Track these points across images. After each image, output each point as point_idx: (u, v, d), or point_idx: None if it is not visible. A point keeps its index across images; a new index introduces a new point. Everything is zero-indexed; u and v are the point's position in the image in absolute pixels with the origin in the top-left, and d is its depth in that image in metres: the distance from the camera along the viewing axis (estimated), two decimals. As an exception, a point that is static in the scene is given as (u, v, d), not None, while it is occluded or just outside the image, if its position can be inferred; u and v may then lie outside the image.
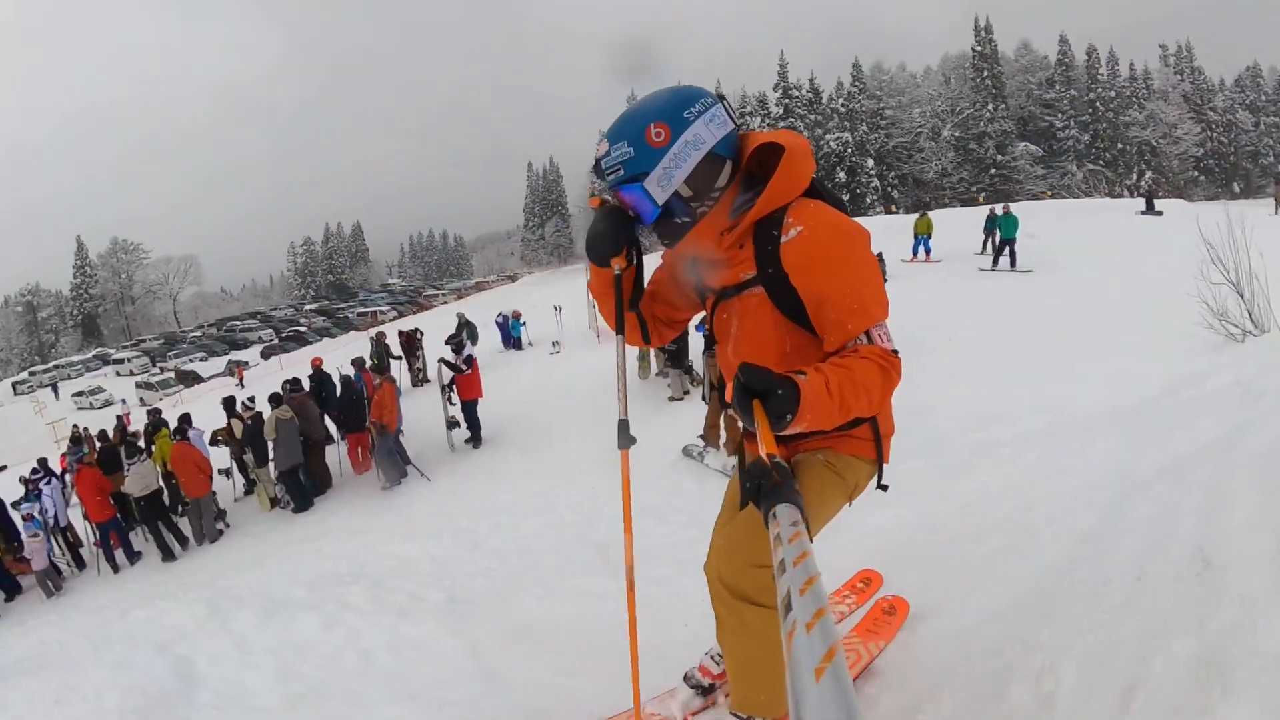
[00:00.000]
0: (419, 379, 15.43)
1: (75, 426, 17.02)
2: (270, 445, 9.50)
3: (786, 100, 55.03)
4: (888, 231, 20.37)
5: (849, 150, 53.54)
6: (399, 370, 14.28)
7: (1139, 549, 1.83)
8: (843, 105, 55.79)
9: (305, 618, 4.31)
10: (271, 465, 9.61)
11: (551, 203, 65.70)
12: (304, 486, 9.41)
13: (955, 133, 53.83)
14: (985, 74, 53.79)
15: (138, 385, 39.29)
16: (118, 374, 47.45)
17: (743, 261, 1.60)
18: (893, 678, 2.03)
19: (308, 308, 64.61)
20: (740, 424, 1.51)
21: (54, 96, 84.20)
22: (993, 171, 52.68)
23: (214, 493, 9.46)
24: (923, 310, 9.90)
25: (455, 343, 10.73)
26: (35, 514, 9.26)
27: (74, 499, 10.27)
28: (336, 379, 11.58)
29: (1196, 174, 52.29)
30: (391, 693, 3.19)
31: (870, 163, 53.91)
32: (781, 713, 1.73)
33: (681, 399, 9.14)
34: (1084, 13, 59.72)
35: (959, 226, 19.10)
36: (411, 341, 15.84)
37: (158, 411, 12.38)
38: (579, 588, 4.20)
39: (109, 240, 63.11)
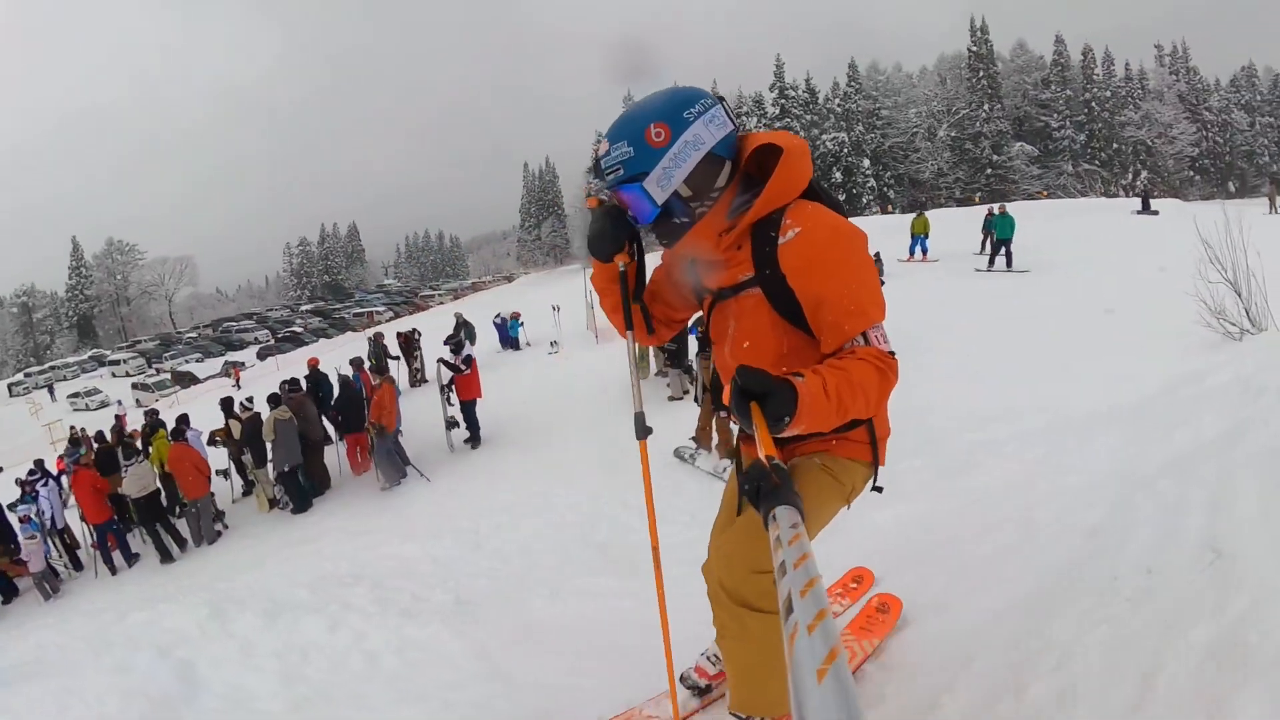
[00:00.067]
0: (417, 379, 15.41)
1: (73, 428, 16.96)
2: (269, 446, 9.48)
3: (783, 100, 55.06)
4: (885, 231, 20.43)
5: (845, 150, 53.60)
6: (397, 371, 14.26)
7: (1147, 543, 1.85)
8: (839, 105, 55.88)
9: (308, 620, 4.28)
10: (270, 466, 9.57)
11: (548, 203, 65.64)
12: (303, 487, 9.38)
13: (951, 133, 53.95)
14: (981, 74, 53.94)
15: (134, 386, 39.07)
16: (113, 375, 47.24)
17: (740, 262, 1.61)
18: (907, 673, 2.04)
19: (303, 308, 64.45)
20: (736, 426, 1.51)
21: (49, 97, 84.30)
22: (989, 171, 52.83)
23: (212, 494, 9.43)
24: (919, 310, 9.92)
25: (454, 343, 10.70)
26: (32, 516, 9.18)
27: (71, 500, 10.24)
28: (334, 379, 11.56)
29: (1192, 174, 52.48)
30: (399, 695, 3.17)
31: (866, 163, 53.99)
32: (781, 713, 1.74)
33: (681, 398, 9.14)
34: (1080, 13, 60.03)
35: (955, 226, 19.17)
36: (409, 342, 15.82)
37: (155, 412, 12.34)
38: (582, 588, 4.20)
39: (104, 241, 62.98)
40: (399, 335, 16.17)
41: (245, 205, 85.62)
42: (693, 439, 6.89)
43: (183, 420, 10.23)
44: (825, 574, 2.44)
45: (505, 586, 4.60)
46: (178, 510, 9.70)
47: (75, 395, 40.89)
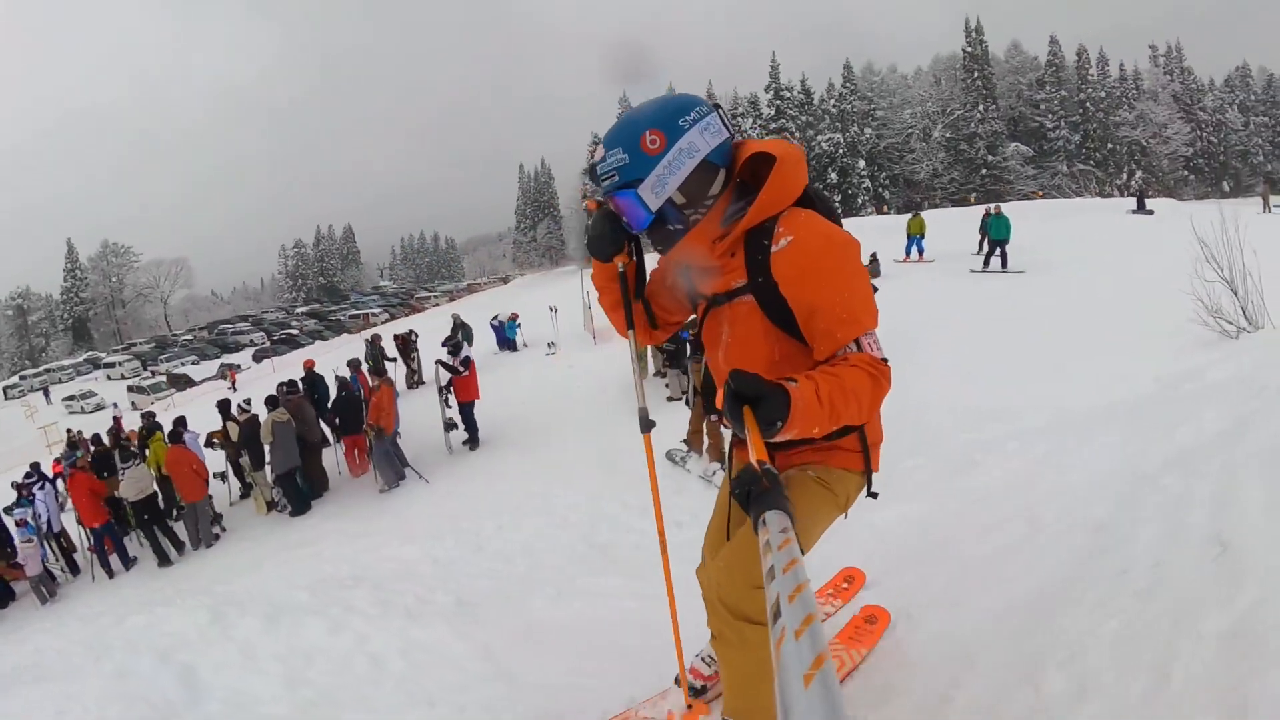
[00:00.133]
0: (414, 381, 15.40)
1: (70, 431, 16.89)
2: (267, 448, 9.45)
3: (778, 101, 55.14)
4: (881, 232, 20.53)
5: (840, 151, 53.71)
6: (395, 372, 14.24)
7: (1154, 537, 1.87)
8: (834, 106, 55.96)
9: (310, 622, 4.26)
10: (268, 468, 9.55)
11: (543, 204, 65.59)
12: (301, 490, 9.35)
13: (946, 133, 54.09)
14: (976, 75, 54.08)
15: (129, 389, 38.92)
16: (108, 378, 47.15)
17: (734, 269, 1.61)
18: (915, 670, 2.04)
19: (299, 310, 64.36)
20: (729, 431, 1.52)
21: (45, 97, 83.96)
22: (983, 172, 52.96)
23: (210, 496, 9.39)
24: (915, 310, 9.96)
25: (452, 344, 10.69)
26: (28, 519, 9.15)
27: (68, 504, 10.19)
28: (331, 381, 11.53)
29: (1186, 173, 52.71)
30: (407, 698, 3.15)
31: (862, 164, 54.10)
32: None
33: (680, 399, 9.14)
34: (1074, 14, 60.33)
35: (951, 227, 19.21)
36: (406, 344, 15.81)
37: (152, 415, 12.30)
38: (585, 588, 4.18)
39: (99, 243, 62.76)
40: (396, 337, 16.16)
41: (240, 207, 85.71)
42: (684, 442, 6.90)
43: (180, 423, 10.18)
44: (826, 572, 2.47)
45: (507, 587, 4.58)
46: (175, 513, 9.65)
47: (70, 398, 40.75)
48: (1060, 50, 55.19)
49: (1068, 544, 2.30)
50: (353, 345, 27.39)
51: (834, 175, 52.74)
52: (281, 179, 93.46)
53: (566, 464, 7.71)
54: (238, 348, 50.84)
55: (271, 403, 9.72)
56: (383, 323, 45.10)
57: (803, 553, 1.46)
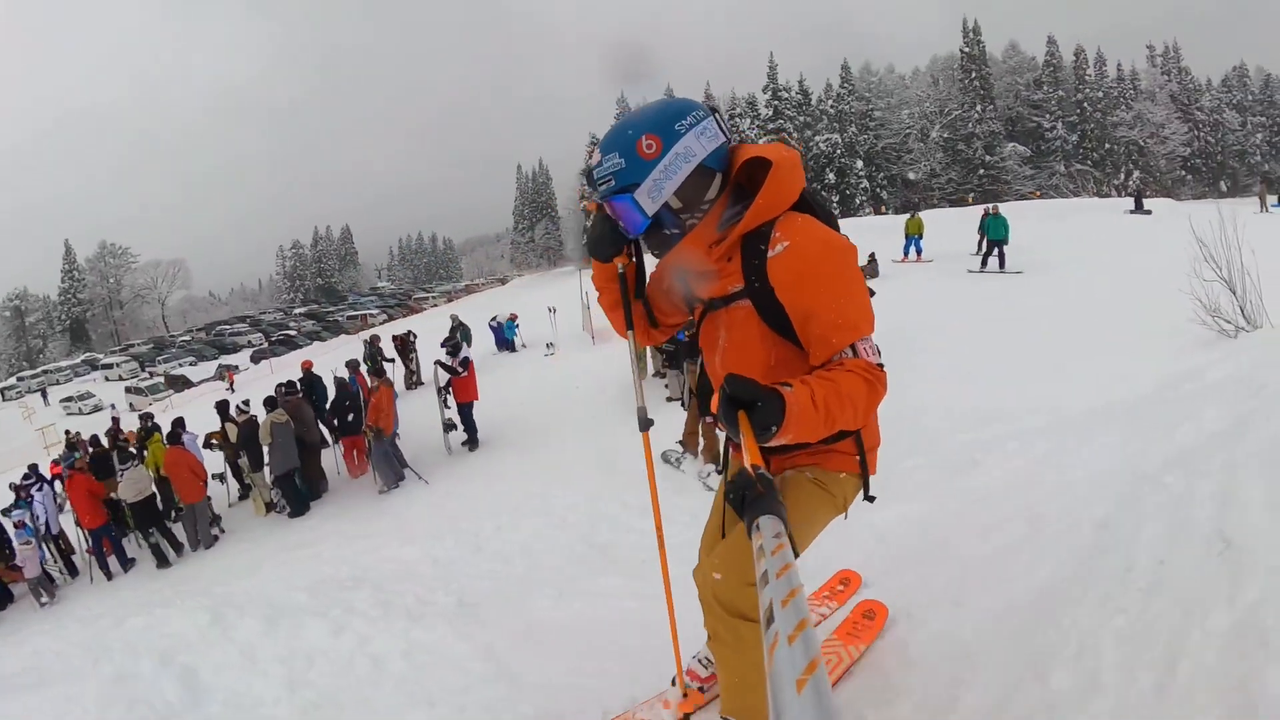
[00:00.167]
0: (413, 382, 15.40)
1: (68, 432, 16.85)
2: (265, 449, 9.43)
3: (776, 102, 55.17)
4: (879, 232, 20.56)
5: (838, 151, 53.78)
6: (393, 373, 14.24)
7: (1158, 535, 1.88)
8: (832, 107, 56.03)
9: (311, 624, 4.24)
10: (267, 470, 9.54)
11: (541, 205, 65.62)
12: (300, 491, 9.34)
13: (944, 134, 54.15)
14: (973, 75, 54.15)
15: (127, 390, 38.97)
16: (106, 379, 47.13)
17: (730, 274, 1.61)
18: (921, 666, 2.05)
19: (297, 311, 64.37)
20: (725, 434, 1.52)
21: (42, 98, 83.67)
22: (981, 172, 53.03)
23: (209, 498, 9.38)
24: (913, 310, 9.98)
25: (451, 345, 10.69)
26: (27, 521, 9.13)
27: (66, 505, 10.17)
28: (329, 382, 11.51)
29: (1184, 173, 52.82)
30: (409, 699, 3.14)
31: (859, 164, 54.18)
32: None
33: (679, 399, 9.15)
34: (1072, 14, 60.45)
35: (949, 227, 19.24)
36: (405, 344, 15.81)
37: (150, 416, 12.29)
38: (585, 588, 4.17)
39: (97, 244, 62.66)
40: (394, 338, 16.16)
41: (238, 208, 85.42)
42: (679, 443, 6.90)
43: (178, 424, 10.17)
44: (822, 576, 2.47)
45: (508, 588, 4.57)
46: (174, 514, 9.63)
47: (68, 399, 40.74)
48: (1058, 50, 55.32)
49: (1070, 542, 2.31)
50: (351, 346, 27.40)
51: (832, 176, 52.82)
52: (279, 179, 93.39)
53: (565, 464, 7.70)
54: (235, 349, 50.87)
55: (270, 404, 9.71)
56: (381, 323, 45.11)
57: (799, 553, 1.48)
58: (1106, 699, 1.49)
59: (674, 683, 2.32)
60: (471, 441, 9.87)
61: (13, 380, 52.57)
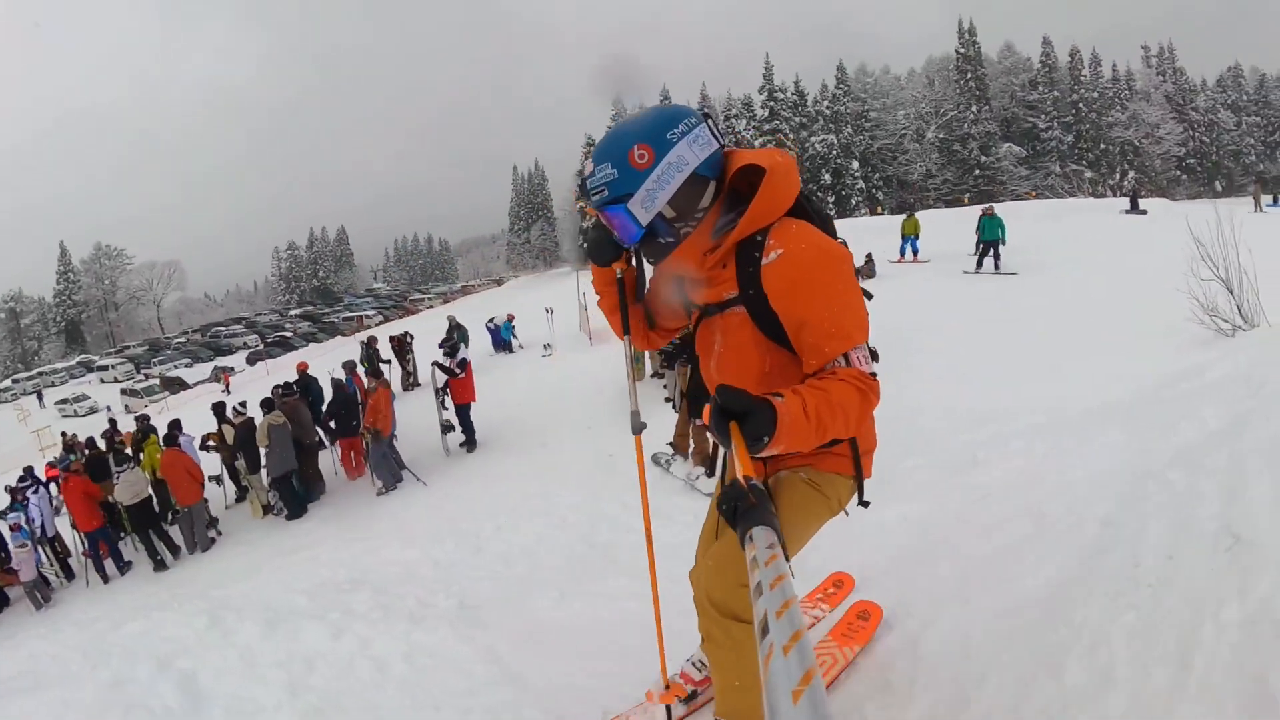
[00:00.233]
0: (410, 383, 15.38)
1: (64, 434, 16.79)
2: (262, 451, 9.40)
3: (771, 103, 55.22)
4: (876, 232, 20.60)
5: (834, 152, 53.85)
6: (390, 374, 14.21)
7: (1164, 531, 1.89)
8: (827, 108, 56.10)
9: (311, 627, 4.21)
10: (264, 471, 9.50)
11: (537, 206, 65.62)
12: (297, 493, 9.31)
13: (939, 134, 54.28)
14: (969, 76, 54.29)
15: (122, 392, 38.79)
16: (102, 381, 47.01)
17: (725, 281, 1.61)
18: (936, 664, 2.05)
19: (293, 313, 64.27)
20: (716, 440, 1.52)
21: (40, 98, 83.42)
22: (977, 173, 53.15)
23: (206, 500, 9.36)
24: (909, 311, 9.98)
25: (448, 346, 10.68)
26: (22, 524, 9.10)
27: (62, 508, 10.13)
28: (326, 383, 11.48)
29: (1179, 173, 53.05)
30: (412, 702, 3.12)
31: (855, 165, 54.26)
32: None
33: (675, 401, 9.15)
34: (1067, 15, 60.65)
35: (945, 227, 19.29)
36: (402, 346, 15.80)
37: (146, 418, 12.25)
38: (586, 589, 4.16)
39: (92, 246, 62.48)
40: (391, 339, 16.14)
41: (233, 209, 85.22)
42: (670, 445, 6.90)
43: (175, 426, 10.13)
44: (821, 576, 2.47)
45: (509, 589, 4.56)
46: (170, 517, 9.59)
47: (64, 401, 40.56)
48: (1053, 51, 55.45)
49: (1074, 540, 2.31)
50: (347, 347, 27.35)
51: (828, 176, 52.89)
52: (276, 180, 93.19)
53: (564, 465, 7.70)
54: (231, 350, 50.74)
55: (267, 405, 9.67)
56: (377, 325, 45.07)
57: (793, 555, 1.48)
58: (1121, 694, 1.50)
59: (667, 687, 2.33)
60: (469, 443, 9.85)
61: (8, 382, 52.38)
